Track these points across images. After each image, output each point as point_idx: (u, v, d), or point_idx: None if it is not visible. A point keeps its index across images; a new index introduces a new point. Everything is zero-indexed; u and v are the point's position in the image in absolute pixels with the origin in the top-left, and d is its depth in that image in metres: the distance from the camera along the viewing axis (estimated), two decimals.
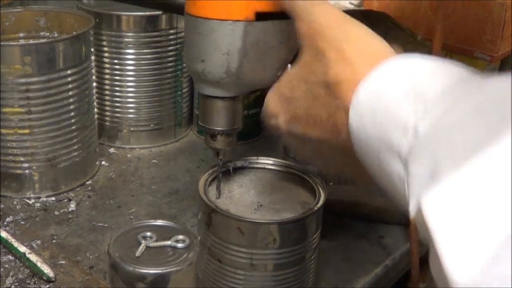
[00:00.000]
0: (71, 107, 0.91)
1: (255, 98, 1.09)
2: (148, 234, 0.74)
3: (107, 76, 1.05)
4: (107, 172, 1.01)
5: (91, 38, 0.94)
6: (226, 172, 0.70)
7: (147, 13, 1.01)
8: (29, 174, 0.91)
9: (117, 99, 1.07)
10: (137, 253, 0.70)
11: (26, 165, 0.90)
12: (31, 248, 0.79)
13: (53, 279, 0.74)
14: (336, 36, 0.46)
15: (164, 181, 0.99)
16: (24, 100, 0.86)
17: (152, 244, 0.72)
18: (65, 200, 0.92)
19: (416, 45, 0.97)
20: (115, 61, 1.04)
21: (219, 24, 0.58)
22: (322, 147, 0.47)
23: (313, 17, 0.47)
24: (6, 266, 0.76)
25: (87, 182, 0.97)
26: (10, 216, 0.87)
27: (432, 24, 1.16)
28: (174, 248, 0.72)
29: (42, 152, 0.90)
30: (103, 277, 0.75)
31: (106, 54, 1.04)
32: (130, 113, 1.08)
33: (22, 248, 0.77)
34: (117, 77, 1.05)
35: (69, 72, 0.89)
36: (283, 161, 0.73)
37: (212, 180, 0.69)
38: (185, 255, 0.71)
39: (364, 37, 0.46)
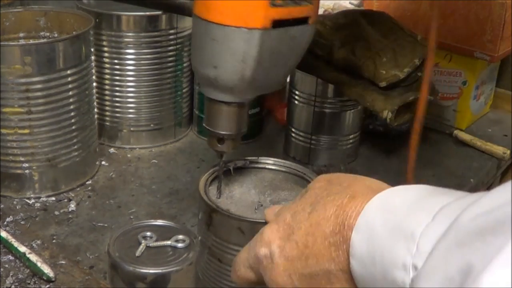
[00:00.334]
0: (71, 107, 0.91)
1: (256, 98, 1.09)
2: (148, 234, 0.74)
3: (107, 76, 1.05)
4: (107, 172, 1.01)
5: (91, 38, 0.94)
6: (226, 172, 0.70)
7: (147, 13, 1.01)
8: (29, 174, 0.91)
9: (117, 99, 1.07)
10: (137, 253, 0.70)
11: (26, 165, 0.90)
12: (31, 248, 0.79)
13: (53, 279, 0.74)
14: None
15: (164, 181, 0.99)
16: (24, 100, 0.86)
17: (152, 244, 0.72)
18: (65, 200, 0.92)
19: (416, 45, 0.97)
20: (115, 61, 1.04)
21: (235, 31, 0.57)
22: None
23: None
24: (6, 266, 0.76)
25: (87, 182, 0.97)
26: (10, 216, 0.87)
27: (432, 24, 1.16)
28: (174, 248, 0.72)
29: (42, 152, 0.90)
30: (103, 277, 0.75)
31: (106, 54, 1.04)
32: (130, 113, 1.08)
33: (22, 248, 0.77)
34: (117, 77, 1.05)
35: (69, 72, 0.89)
36: (283, 161, 0.73)
37: (213, 180, 0.69)
38: (185, 255, 0.71)
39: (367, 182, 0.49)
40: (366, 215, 0.43)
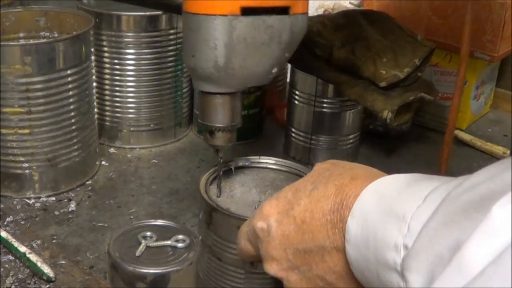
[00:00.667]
0: (71, 107, 0.91)
1: (255, 98, 1.09)
2: (148, 234, 0.74)
3: (107, 76, 1.05)
4: (107, 172, 1.01)
5: (91, 38, 0.94)
6: (228, 171, 0.70)
7: (147, 13, 1.01)
8: (29, 174, 0.91)
9: (117, 99, 1.07)
10: (137, 253, 0.70)
11: (26, 165, 0.90)
12: (31, 248, 0.79)
13: (53, 279, 0.74)
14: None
15: (164, 181, 0.99)
16: (24, 100, 0.86)
17: (152, 244, 0.72)
18: (65, 200, 0.92)
19: (416, 45, 0.97)
20: (115, 61, 1.04)
21: (205, 19, 0.59)
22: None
23: None
24: (6, 266, 0.76)
25: (87, 182, 0.97)
26: (10, 216, 0.87)
27: (432, 24, 1.16)
28: (174, 248, 0.72)
29: (42, 152, 0.90)
30: (103, 277, 0.75)
31: (106, 54, 1.04)
32: (130, 113, 1.08)
33: (22, 248, 0.77)
34: (117, 77, 1.05)
35: (69, 72, 0.89)
36: (285, 160, 0.73)
37: (214, 179, 0.69)
38: (185, 255, 0.71)
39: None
40: (361, 201, 0.44)
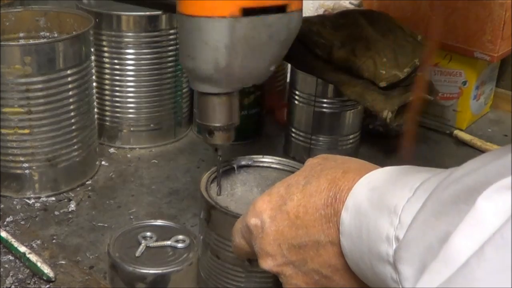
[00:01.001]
0: (71, 107, 0.91)
1: (255, 98, 1.09)
2: (148, 234, 0.74)
3: (107, 76, 1.05)
4: (107, 172, 1.01)
5: (91, 38, 0.94)
6: (230, 170, 0.71)
7: (147, 13, 1.01)
8: (29, 174, 0.91)
9: (117, 99, 1.07)
10: (137, 253, 0.70)
11: (26, 165, 0.90)
12: (31, 248, 0.79)
13: (53, 279, 0.74)
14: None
15: (164, 181, 0.99)
16: (24, 100, 0.86)
17: (152, 244, 0.72)
18: (65, 200, 0.92)
19: (416, 45, 0.97)
20: (115, 61, 1.04)
21: (205, 21, 0.58)
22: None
23: None
24: (6, 266, 0.76)
25: (87, 182, 0.97)
26: (10, 216, 0.87)
27: (432, 24, 1.16)
28: (174, 248, 0.72)
29: (42, 152, 0.90)
30: (103, 277, 0.75)
31: (106, 54, 1.04)
32: (130, 113, 1.08)
33: (22, 248, 0.77)
34: (117, 77, 1.05)
35: (69, 72, 0.89)
36: (288, 160, 0.73)
37: (215, 177, 0.69)
38: (185, 255, 0.71)
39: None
40: (354, 194, 0.44)
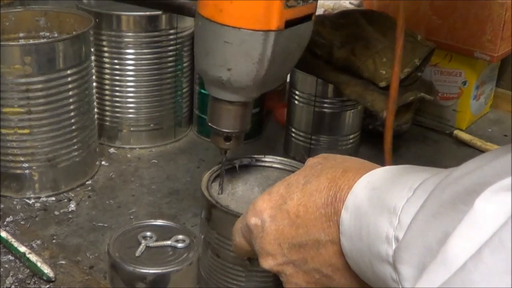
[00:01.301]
0: (71, 107, 0.91)
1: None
2: (148, 234, 0.74)
3: (107, 76, 1.05)
4: (107, 172, 1.01)
5: (91, 38, 0.94)
6: (232, 169, 0.71)
7: (147, 13, 1.01)
8: (29, 174, 0.91)
9: (117, 99, 1.07)
10: (137, 253, 0.70)
11: (26, 165, 0.90)
12: (31, 248, 0.79)
13: (53, 279, 0.74)
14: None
15: (164, 181, 0.99)
16: (24, 100, 0.86)
17: (152, 244, 0.72)
18: (65, 200, 0.92)
19: (416, 45, 0.97)
20: (115, 61, 1.04)
21: (250, 34, 0.57)
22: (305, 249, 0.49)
23: None
24: (6, 266, 0.76)
25: (87, 182, 0.97)
26: (10, 216, 0.87)
27: (432, 24, 1.16)
28: (174, 248, 0.72)
29: (42, 152, 0.90)
30: (103, 277, 0.75)
31: (106, 54, 1.04)
32: (130, 113, 1.08)
33: (22, 248, 0.77)
34: (117, 77, 1.05)
35: (69, 72, 0.89)
36: (289, 160, 0.73)
37: (216, 176, 0.69)
38: (185, 255, 0.71)
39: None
40: (354, 194, 0.44)
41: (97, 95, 1.02)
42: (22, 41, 0.97)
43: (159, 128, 1.11)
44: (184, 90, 1.12)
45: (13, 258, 0.77)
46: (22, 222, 0.86)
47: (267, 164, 0.73)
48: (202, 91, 1.10)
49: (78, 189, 0.95)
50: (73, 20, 0.97)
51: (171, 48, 1.05)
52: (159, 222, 0.77)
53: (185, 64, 1.09)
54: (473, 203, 0.31)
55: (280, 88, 1.27)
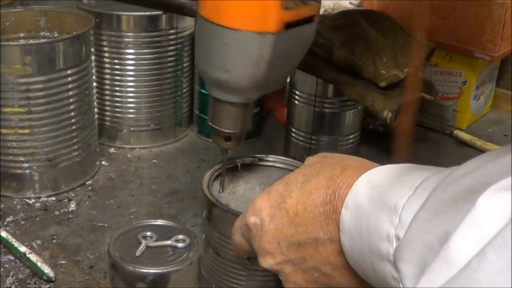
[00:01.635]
0: (71, 107, 0.91)
1: None
2: (148, 234, 0.74)
3: (107, 76, 1.05)
4: (107, 172, 1.01)
5: (91, 38, 0.94)
6: (233, 168, 0.71)
7: (147, 13, 1.01)
8: (29, 174, 0.91)
9: (117, 99, 1.07)
10: (137, 253, 0.70)
11: (26, 165, 0.90)
12: (31, 248, 0.79)
13: (53, 279, 0.74)
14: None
15: (164, 181, 0.99)
16: (24, 100, 0.86)
17: (152, 244, 0.72)
18: (65, 200, 0.92)
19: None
20: (115, 61, 1.04)
21: (249, 36, 0.56)
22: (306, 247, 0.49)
23: None
24: (6, 266, 0.76)
25: (87, 182, 0.97)
26: (10, 216, 0.87)
27: (432, 24, 1.16)
28: (174, 248, 0.72)
29: (42, 152, 0.90)
30: (103, 277, 0.75)
31: (106, 54, 1.04)
32: (130, 113, 1.08)
33: (22, 248, 0.77)
34: (117, 77, 1.05)
35: (69, 72, 0.89)
36: (291, 160, 0.73)
37: (218, 175, 0.69)
38: (185, 255, 0.71)
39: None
40: (354, 192, 0.44)
41: (97, 95, 1.02)
42: (22, 41, 0.97)
43: (159, 128, 1.11)
44: (184, 90, 1.12)
45: (13, 258, 0.77)
46: (22, 222, 0.86)
47: (269, 164, 0.73)
48: (202, 91, 1.10)
49: (78, 189, 0.95)
50: (73, 20, 0.97)
51: (171, 48, 1.05)
52: (159, 222, 0.77)
53: (185, 64, 1.09)
54: (475, 202, 0.30)
55: (280, 88, 1.27)
